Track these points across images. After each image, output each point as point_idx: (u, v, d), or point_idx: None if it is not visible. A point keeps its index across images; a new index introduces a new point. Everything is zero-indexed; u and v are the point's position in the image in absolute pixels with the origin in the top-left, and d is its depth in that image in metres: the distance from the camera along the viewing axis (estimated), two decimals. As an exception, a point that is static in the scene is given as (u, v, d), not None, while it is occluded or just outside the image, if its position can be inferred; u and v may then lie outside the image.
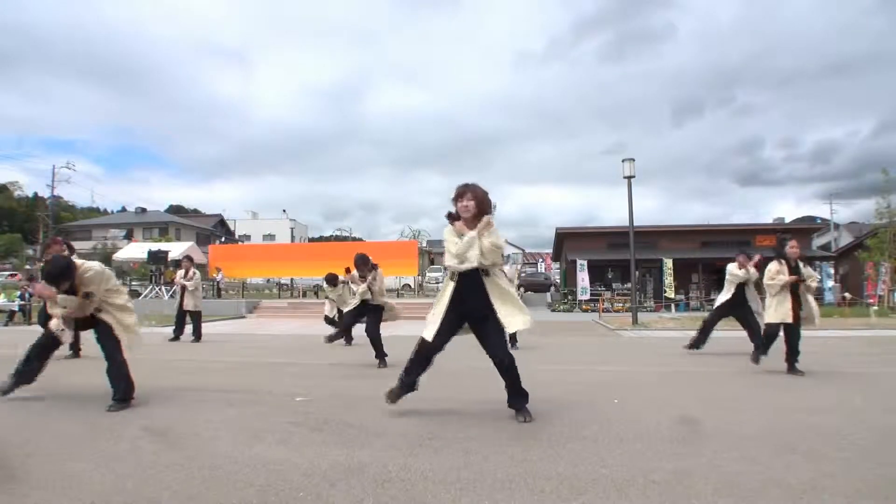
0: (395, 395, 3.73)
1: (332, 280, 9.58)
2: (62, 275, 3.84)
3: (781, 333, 5.67)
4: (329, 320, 10.36)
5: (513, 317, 3.50)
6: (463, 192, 3.50)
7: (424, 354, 3.69)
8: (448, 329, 3.60)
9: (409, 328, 7.53)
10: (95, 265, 4.05)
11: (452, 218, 3.52)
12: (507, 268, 9.62)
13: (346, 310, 7.34)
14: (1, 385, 4.11)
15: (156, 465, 2.64)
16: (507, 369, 3.55)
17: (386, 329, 6.80)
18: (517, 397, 3.59)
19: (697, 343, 7.61)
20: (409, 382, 3.73)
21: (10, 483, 2.40)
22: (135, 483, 2.41)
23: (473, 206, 3.46)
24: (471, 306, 3.55)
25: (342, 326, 7.28)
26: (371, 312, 6.61)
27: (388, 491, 2.31)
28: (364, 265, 6.56)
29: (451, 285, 3.58)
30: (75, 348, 7.09)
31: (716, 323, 7.60)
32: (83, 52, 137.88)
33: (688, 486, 2.36)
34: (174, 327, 10.01)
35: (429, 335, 3.60)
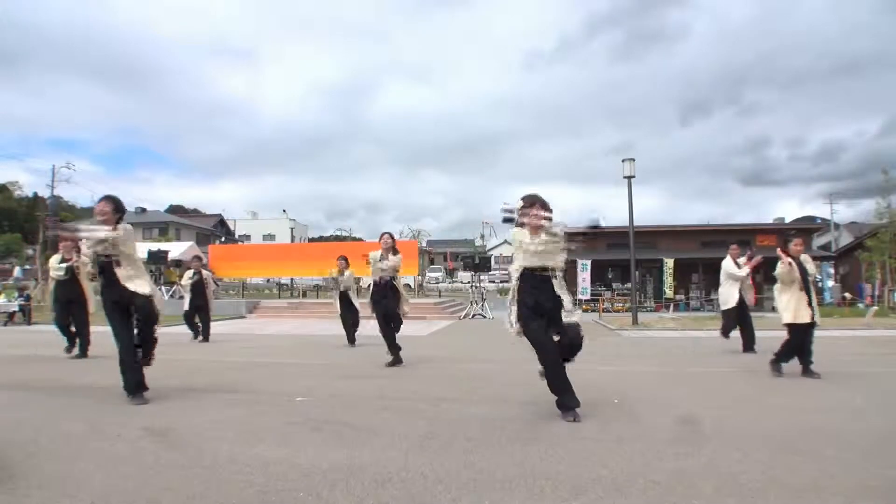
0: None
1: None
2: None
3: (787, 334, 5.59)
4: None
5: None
6: (532, 202, 3.75)
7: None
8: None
9: (408, 328, 7.54)
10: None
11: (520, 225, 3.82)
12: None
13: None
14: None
15: (156, 465, 2.64)
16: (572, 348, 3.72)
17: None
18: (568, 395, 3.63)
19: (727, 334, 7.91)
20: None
21: (11, 483, 2.40)
22: (135, 483, 2.41)
23: (543, 215, 3.71)
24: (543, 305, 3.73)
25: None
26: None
27: (388, 491, 2.31)
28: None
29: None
30: (83, 349, 7.13)
31: (734, 325, 7.85)
32: (88, 51, 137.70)
33: (688, 486, 2.36)
34: (190, 326, 10.08)
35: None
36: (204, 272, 10.18)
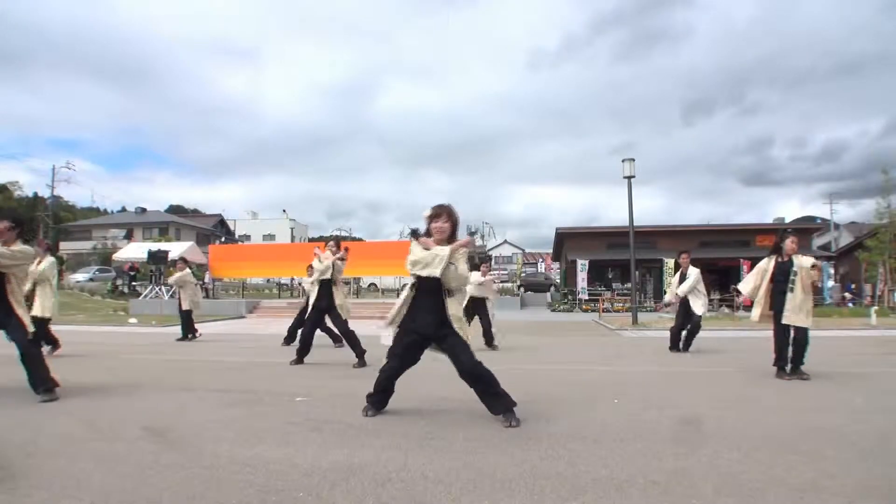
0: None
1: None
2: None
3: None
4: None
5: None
6: (439, 213, 3.61)
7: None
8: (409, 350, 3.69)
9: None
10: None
11: (417, 235, 3.67)
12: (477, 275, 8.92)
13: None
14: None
15: (156, 465, 2.63)
16: (477, 378, 3.55)
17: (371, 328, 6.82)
18: (497, 401, 3.52)
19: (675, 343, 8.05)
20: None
21: (11, 483, 2.39)
22: (135, 483, 2.41)
23: (448, 227, 3.60)
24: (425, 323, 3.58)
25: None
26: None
27: (388, 491, 2.31)
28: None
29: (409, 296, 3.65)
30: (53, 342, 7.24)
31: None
32: (88, 50, 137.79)
33: (688, 486, 2.36)
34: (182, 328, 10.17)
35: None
36: (182, 272, 10.25)
